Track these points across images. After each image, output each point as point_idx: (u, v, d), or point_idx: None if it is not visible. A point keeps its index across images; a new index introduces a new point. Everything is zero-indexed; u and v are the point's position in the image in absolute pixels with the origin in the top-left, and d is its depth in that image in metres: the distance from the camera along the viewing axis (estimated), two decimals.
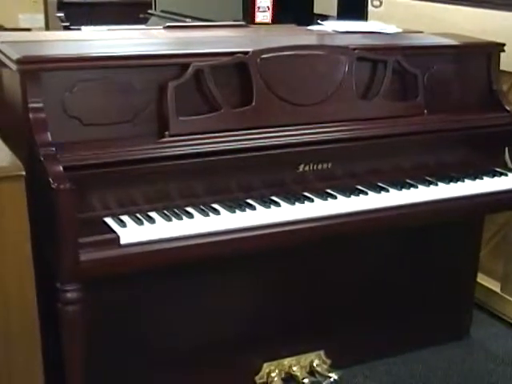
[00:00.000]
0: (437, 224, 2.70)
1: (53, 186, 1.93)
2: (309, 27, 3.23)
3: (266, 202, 2.29)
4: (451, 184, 2.56)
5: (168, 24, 3.08)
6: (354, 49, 2.51)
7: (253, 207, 2.26)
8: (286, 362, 2.71)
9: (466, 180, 2.59)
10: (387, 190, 2.46)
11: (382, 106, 2.53)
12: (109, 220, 2.11)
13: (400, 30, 3.06)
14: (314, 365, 2.73)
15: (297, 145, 2.37)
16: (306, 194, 2.38)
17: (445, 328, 3.02)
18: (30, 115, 2.05)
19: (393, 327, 2.89)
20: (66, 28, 5.33)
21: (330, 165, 2.45)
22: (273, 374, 2.67)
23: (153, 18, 5.11)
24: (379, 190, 2.45)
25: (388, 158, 2.57)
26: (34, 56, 2.13)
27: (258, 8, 4.06)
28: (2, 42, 2.30)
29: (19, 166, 1.93)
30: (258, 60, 2.33)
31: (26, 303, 2.00)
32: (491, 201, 2.62)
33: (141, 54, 2.28)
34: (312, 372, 2.73)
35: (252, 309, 2.62)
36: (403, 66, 2.56)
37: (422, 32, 3.13)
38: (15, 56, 2.09)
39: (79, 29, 3.06)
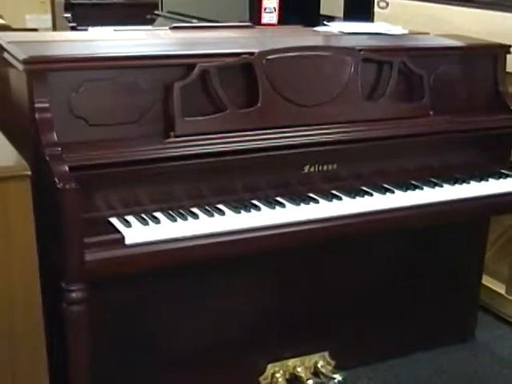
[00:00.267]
0: (442, 225, 2.69)
1: (58, 186, 1.94)
2: (315, 28, 3.24)
3: (271, 203, 2.29)
4: (456, 185, 2.55)
5: (174, 25, 3.08)
6: (360, 50, 2.51)
7: (258, 208, 2.26)
8: (291, 362, 2.71)
9: (471, 182, 2.59)
10: (392, 192, 2.45)
11: (388, 108, 2.53)
12: (114, 220, 2.11)
13: (406, 32, 3.06)
14: (319, 366, 2.73)
15: (302, 146, 2.37)
16: (311, 194, 2.38)
17: (450, 330, 3.01)
18: (36, 115, 2.06)
19: (397, 329, 2.89)
20: (73, 28, 5.35)
21: (335, 166, 2.45)
22: (277, 375, 2.67)
23: (159, 19, 5.12)
24: (384, 191, 2.45)
25: (393, 160, 2.57)
26: (41, 56, 2.14)
27: (265, 9, 4.05)
28: (9, 42, 2.31)
29: (25, 165, 1.93)
30: (264, 61, 2.33)
31: (30, 303, 2.00)
32: (497, 202, 2.61)
33: (147, 54, 2.29)
34: (316, 373, 2.72)
35: (257, 309, 2.62)
36: (409, 68, 2.56)
37: (428, 33, 3.13)
38: (22, 56, 2.10)
39: (86, 29, 3.07)
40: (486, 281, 3.24)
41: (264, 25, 3.98)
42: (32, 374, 2.06)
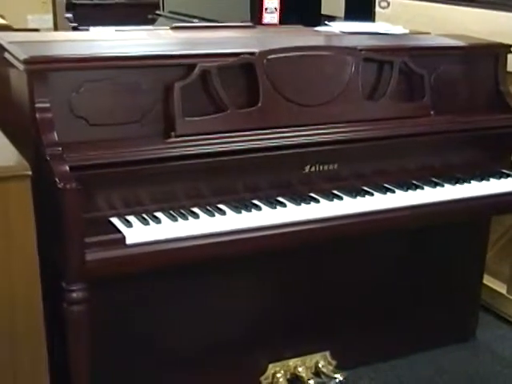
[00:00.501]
0: (443, 225, 2.69)
1: (59, 186, 1.94)
2: (316, 28, 3.24)
3: (272, 203, 2.29)
4: (457, 185, 2.55)
5: (175, 24, 3.08)
6: (361, 50, 2.51)
7: (259, 208, 2.26)
8: (292, 362, 2.71)
9: (472, 181, 2.59)
10: (393, 191, 2.45)
11: (389, 107, 2.53)
12: (115, 220, 2.12)
13: (407, 31, 3.06)
14: (320, 366, 2.73)
15: (303, 145, 2.37)
16: (311, 194, 2.38)
17: (451, 330, 3.01)
18: (37, 115, 2.06)
19: (398, 329, 2.89)
20: (75, 29, 5.35)
21: (336, 166, 2.45)
22: (278, 375, 2.67)
23: (160, 19, 5.12)
24: (385, 190, 2.45)
25: (394, 159, 2.56)
26: (41, 56, 2.14)
27: (266, 9, 4.06)
28: (10, 42, 2.31)
29: (25, 165, 1.93)
30: (265, 61, 2.33)
31: (31, 303, 2.00)
32: (498, 202, 2.61)
33: (147, 54, 2.28)
34: (317, 373, 2.72)
35: (257, 309, 2.62)
36: (410, 67, 2.56)
37: (429, 33, 3.13)
38: (22, 56, 2.10)
39: (87, 29, 3.07)
40: (487, 280, 3.23)
41: (265, 25, 3.99)
42: (33, 373, 2.06)
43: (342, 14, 4.11)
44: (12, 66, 2.21)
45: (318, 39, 2.97)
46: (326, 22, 3.37)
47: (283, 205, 2.29)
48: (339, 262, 2.69)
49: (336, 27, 3.12)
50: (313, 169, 2.41)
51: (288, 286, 2.63)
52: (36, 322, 2.03)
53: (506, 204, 2.64)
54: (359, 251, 2.71)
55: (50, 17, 6.23)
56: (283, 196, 2.35)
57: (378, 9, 3.88)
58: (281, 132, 2.34)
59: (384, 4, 3.82)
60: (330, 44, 2.80)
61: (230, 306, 2.56)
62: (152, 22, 5.13)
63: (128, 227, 2.07)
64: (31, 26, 5.92)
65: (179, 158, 2.19)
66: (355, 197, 2.39)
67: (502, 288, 3.27)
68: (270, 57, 2.34)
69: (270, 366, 2.68)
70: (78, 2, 5.55)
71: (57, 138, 2.05)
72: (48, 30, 5.91)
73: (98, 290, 2.04)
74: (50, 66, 2.11)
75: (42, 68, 2.09)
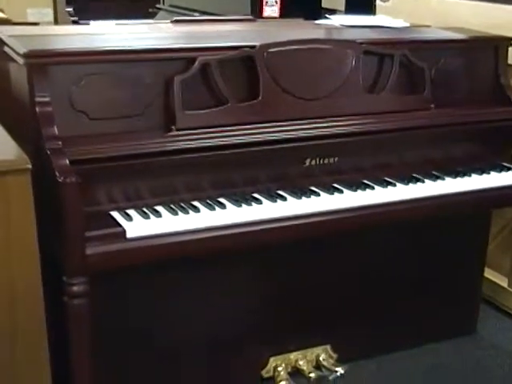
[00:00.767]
0: (443, 219, 2.69)
1: (59, 180, 1.94)
2: (316, 21, 3.24)
3: (273, 196, 2.29)
4: (458, 178, 2.55)
5: (176, 18, 3.08)
6: (361, 43, 2.51)
7: (259, 201, 2.26)
8: (293, 356, 2.71)
9: (472, 175, 2.59)
10: (394, 185, 2.45)
11: (389, 101, 2.53)
12: (115, 214, 2.12)
13: (407, 25, 3.05)
14: (321, 359, 2.73)
15: (303, 139, 2.37)
16: (312, 188, 2.38)
17: (452, 323, 3.01)
18: (37, 109, 2.06)
19: (399, 322, 2.89)
20: (75, 22, 5.33)
21: (336, 159, 2.45)
22: (279, 368, 2.68)
23: (161, 13, 5.12)
24: (386, 184, 2.45)
25: (394, 153, 2.56)
26: (41, 50, 2.14)
27: (266, 2, 4.06)
28: (10, 36, 2.31)
29: (25, 159, 1.93)
30: (265, 54, 2.32)
31: (32, 296, 2.00)
32: (498, 195, 2.61)
33: (147, 48, 2.28)
34: (318, 366, 2.73)
35: (258, 303, 2.62)
36: (410, 60, 2.56)
37: (429, 26, 3.12)
38: (22, 50, 2.10)
39: (88, 23, 3.06)
40: (488, 274, 3.24)
41: (265, 18, 3.98)
42: (34, 367, 2.07)
43: (342, 7, 4.10)
44: (12, 59, 2.21)
45: (318, 32, 2.97)
46: (327, 16, 3.36)
47: (283, 198, 2.29)
48: (341, 254, 2.69)
49: (336, 20, 3.12)
50: (313, 162, 2.41)
51: (289, 279, 2.63)
52: (37, 315, 2.03)
53: (507, 197, 2.64)
54: (360, 244, 2.71)
55: (50, 10, 6.21)
56: (283, 189, 2.35)
57: (378, 2, 3.88)
58: (281, 125, 2.34)
59: None
60: (330, 37, 2.79)
61: (230, 299, 2.56)
62: (152, 15, 5.12)
63: (128, 221, 2.07)
64: (31, 19, 5.90)
65: (179, 151, 2.19)
66: (356, 190, 2.39)
67: (503, 281, 3.27)
68: (270, 50, 2.33)
69: (271, 359, 2.68)
70: None
71: (57, 132, 2.05)
72: (48, 23, 5.89)
73: (97, 283, 2.04)
74: (50, 60, 2.11)
75: (42, 62, 2.09)
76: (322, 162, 2.42)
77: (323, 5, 4.30)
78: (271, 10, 4.04)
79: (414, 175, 2.53)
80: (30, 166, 1.92)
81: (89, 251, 1.99)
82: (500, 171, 2.64)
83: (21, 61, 2.10)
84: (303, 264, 2.63)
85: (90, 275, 2.01)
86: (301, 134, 2.36)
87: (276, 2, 4.04)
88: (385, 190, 2.43)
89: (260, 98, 2.32)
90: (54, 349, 2.13)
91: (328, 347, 2.76)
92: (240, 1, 4.19)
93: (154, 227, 2.08)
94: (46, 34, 2.62)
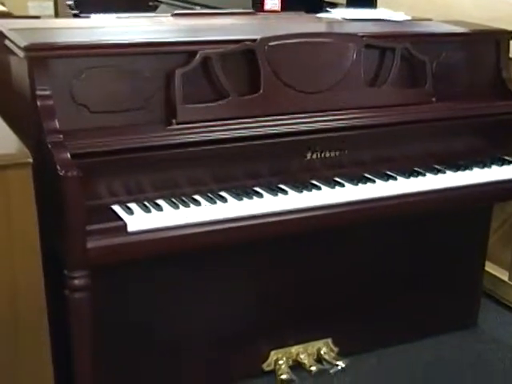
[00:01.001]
0: (445, 212, 2.69)
1: (60, 174, 1.94)
2: (318, 15, 3.23)
3: (274, 190, 2.29)
4: (459, 172, 2.55)
5: (176, 11, 3.07)
6: (363, 36, 2.50)
7: (260, 195, 2.26)
8: (294, 349, 2.71)
9: (474, 168, 2.59)
10: (395, 178, 2.45)
11: (390, 94, 2.53)
12: (116, 207, 2.11)
13: (409, 18, 3.04)
14: (322, 353, 2.74)
15: (304, 132, 2.37)
16: (313, 181, 2.38)
17: (453, 316, 3.02)
18: (38, 102, 2.05)
19: (400, 315, 2.89)
20: (76, 16, 5.32)
21: (337, 153, 2.44)
22: (280, 362, 2.68)
23: (162, 6, 5.10)
24: (387, 178, 2.45)
25: (396, 146, 2.56)
26: (42, 43, 2.13)
27: None
28: (11, 30, 2.30)
29: (26, 153, 1.93)
30: (266, 47, 2.32)
31: (33, 290, 2.00)
32: (500, 189, 2.61)
33: (148, 41, 2.28)
34: (319, 360, 2.73)
35: (259, 297, 2.62)
36: (412, 54, 2.55)
37: (430, 19, 3.12)
38: (23, 43, 2.09)
39: (89, 16, 3.06)
40: (489, 267, 3.24)
41: (267, 11, 3.97)
42: (35, 360, 2.07)
43: (343, 0, 4.10)
44: (12, 53, 2.21)
45: (319, 26, 2.97)
46: (328, 9, 3.36)
47: (285, 192, 2.29)
48: (341, 248, 2.69)
49: (338, 14, 3.11)
50: (314, 156, 2.41)
51: (290, 273, 2.63)
52: (39, 309, 2.03)
53: (508, 191, 2.64)
54: (361, 238, 2.71)
55: (51, 4, 6.21)
56: (285, 183, 2.35)
57: None
58: (282, 119, 2.34)
59: None
60: (331, 31, 2.79)
61: (231, 293, 2.56)
62: (153, 9, 5.11)
63: (129, 215, 2.07)
64: (32, 13, 5.90)
65: (180, 145, 2.19)
66: (357, 184, 2.38)
67: (503, 275, 3.28)
68: (271, 43, 2.33)
69: (272, 353, 2.69)
70: None
71: (58, 126, 2.05)
72: (49, 17, 5.89)
73: (98, 277, 2.04)
74: (51, 53, 2.10)
75: (43, 55, 2.09)
76: (323, 155, 2.42)
77: None
78: (272, 3, 4.03)
79: (416, 169, 2.53)
80: (31, 160, 1.91)
81: (90, 245, 1.98)
82: (501, 165, 2.64)
83: (21, 54, 2.10)
84: (304, 257, 2.63)
85: (91, 269, 2.01)
86: (302, 127, 2.36)
87: None
88: (386, 183, 2.43)
89: (261, 91, 2.32)
90: (56, 342, 2.13)
91: (329, 341, 2.76)
92: None
93: (155, 221, 2.08)
94: (46, 27, 2.61)
